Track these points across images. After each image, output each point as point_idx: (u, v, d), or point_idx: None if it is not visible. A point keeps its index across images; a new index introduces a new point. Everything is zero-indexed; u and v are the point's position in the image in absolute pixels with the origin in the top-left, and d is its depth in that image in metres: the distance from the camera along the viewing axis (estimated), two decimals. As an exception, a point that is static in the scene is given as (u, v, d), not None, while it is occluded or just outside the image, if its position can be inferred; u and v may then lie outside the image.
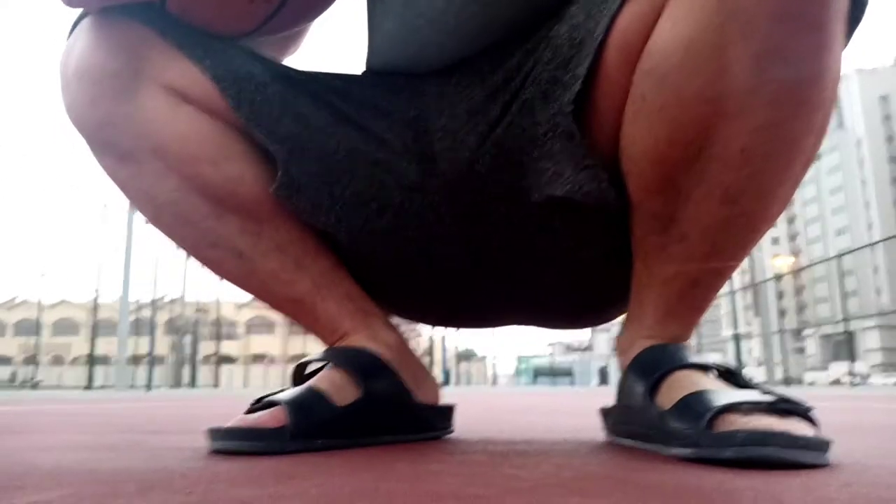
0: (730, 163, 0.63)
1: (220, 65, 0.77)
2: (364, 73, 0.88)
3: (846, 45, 0.63)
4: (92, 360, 15.42)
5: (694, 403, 0.62)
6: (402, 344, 0.85)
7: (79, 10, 0.76)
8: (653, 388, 0.68)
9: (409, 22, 0.80)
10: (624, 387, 0.74)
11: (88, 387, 14.32)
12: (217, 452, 0.68)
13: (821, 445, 0.56)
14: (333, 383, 0.76)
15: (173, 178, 0.77)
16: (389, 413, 0.79)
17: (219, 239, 0.80)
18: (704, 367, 0.69)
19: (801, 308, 74.60)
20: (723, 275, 0.72)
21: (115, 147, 0.77)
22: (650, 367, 0.70)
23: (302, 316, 0.85)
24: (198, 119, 0.77)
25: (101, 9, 0.74)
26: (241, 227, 0.79)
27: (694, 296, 0.73)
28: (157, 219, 0.81)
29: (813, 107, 0.61)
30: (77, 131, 0.78)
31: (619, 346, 0.79)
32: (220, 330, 23.95)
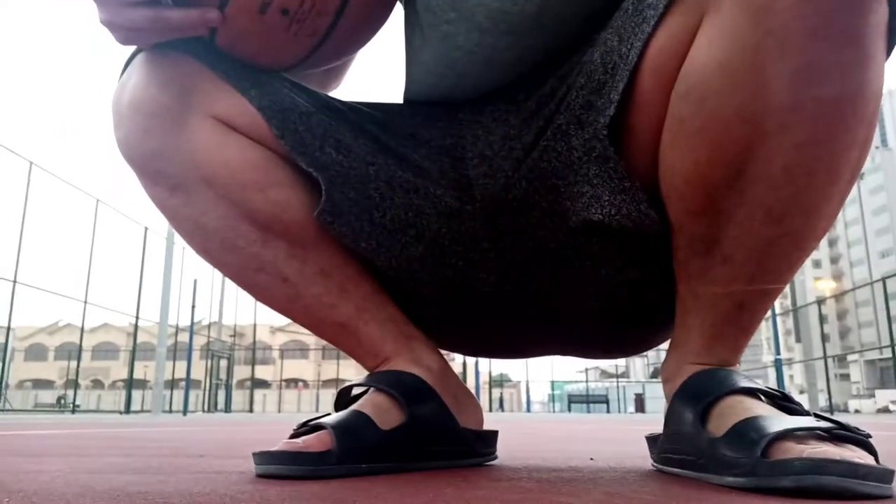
0: (772, 182, 0.62)
1: (265, 95, 0.79)
2: (403, 103, 0.89)
3: (887, 58, 0.62)
4: (130, 384, 15.66)
5: (747, 430, 0.60)
6: (446, 367, 0.85)
7: (132, 47, 0.79)
8: (703, 415, 0.67)
9: (446, 54, 0.81)
10: (672, 413, 0.73)
11: (126, 411, 14.53)
12: (263, 476, 0.69)
13: (884, 475, 0.54)
14: (378, 407, 0.76)
15: (222, 206, 0.79)
16: (434, 437, 0.78)
17: (265, 264, 0.81)
18: (756, 392, 0.67)
19: (844, 333, 72.56)
20: (770, 296, 0.71)
21: (166, 177, 0.79)
22: (699, 392, 0.69)
23: (345, 340, 0.85)
24: (245, 148, 0.79)
25: (154, 44, 0.77)
26: (286, 253, 0.81)
27: (741, 318, 0.71)
28: (205, 247, 0.83)
29: (854, 122, 0.60)
30: (128, 163, 0.81)
31: (665, 372, 0.78)
32: (255, 354, 24.16)
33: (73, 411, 15.38)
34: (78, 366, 15.68)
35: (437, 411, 0.79)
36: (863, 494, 0.52)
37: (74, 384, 17.31)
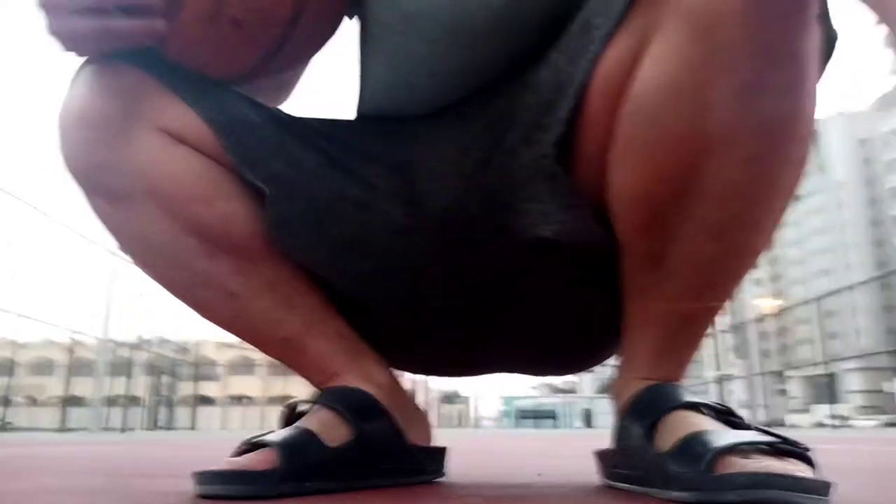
0: (716, 198, 0.64)
1: (213, 107, 0.78)
2: (356, 118, 0.89)
3: (819, 80, 0.65)
4: (67, 401, 15.10)
5: (693, 445, 0.61)
6: (395, 383, 0.84)
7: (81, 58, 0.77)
8: (650, 430, 0.68)
9: (397, 66, 0.81)
10: (620, 429, 0.73)
11: (62, 429, 13.97)
12: (205, 497, 0.66)
13: (823, 488, 0.55)
14: (324, 423, 0.74)
15: (167, 219, 0.76)
16: (382, 454, 0.77)
17: (211, 279, 0.79)
18: (701, 407, 0.69)
19: (783, 349, 74.92)
20: (714, 311, 0.73)
21: (110, 190, 0.76)
22: (646, 408, 0.70)
23: (292, 356, 0.83)
24: (191, 160, 0.77)
25: (100, 56, 0.75)
26: (233, 267, 0.79)
27: (687, 333, 0.73)
28: (148, 261, 0.80)
29: (793, 139, 0.63)
30: (72, 176, 0.78)
31: (614, 388, 0.78)
32: (199, 371, 23.56)
33: (4, 429, 14.71)
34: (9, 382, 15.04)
35: (385, 428, 0.78)
36: None
37: (6, 401, 16.57)
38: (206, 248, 0.77)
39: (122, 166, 0.75)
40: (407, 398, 0.85)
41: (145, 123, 0.76)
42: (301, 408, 0.80)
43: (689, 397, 0.69)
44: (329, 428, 0.73)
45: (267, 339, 0.83)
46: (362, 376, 0.81)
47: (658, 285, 0.70)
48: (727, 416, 0.69)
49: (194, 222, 0.77)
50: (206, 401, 35.67)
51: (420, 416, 0.87)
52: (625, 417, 0.73)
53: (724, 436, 0.61)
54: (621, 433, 0.73)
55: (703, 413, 0.68)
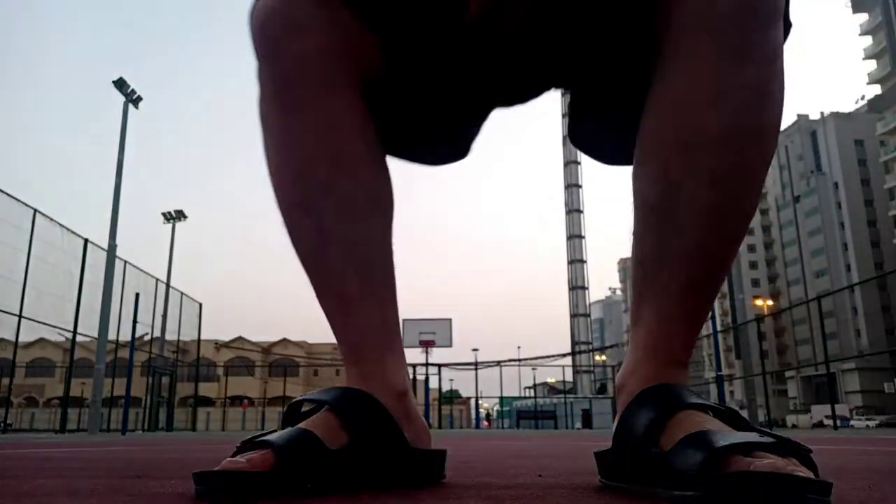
0: (714, 149, 0.71)
1: None
2: None
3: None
4: (66, 402, 15.06)
5: (697, 444, 0.61)
6: (405, 388, 0.84)
7: None
8: (652, 430, 0.68)
9: None
10: (622, 428, 0.73)
11: (61, 430, 13.94)
12: (203, 497, 0.66)
13: (824, 488, 0.55)
14: (328, 425, 0.74)
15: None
16: (382, 457, 0.77)
17: (330, 192, 0.81)
18: (704, 408, 0.69)
19: (781, 350, 74.94)
20: (715, 277, 0.75)
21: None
22: (650, 407, 0.70)
23: (337, 315, 0.84)
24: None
25: None
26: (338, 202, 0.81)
27: (690, 302, 0.75)
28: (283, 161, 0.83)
29: (769, 103, 0.72)
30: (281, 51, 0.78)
31: (619, 379, 0.79)
32: (199, 371, 23.50)
33: (4, 430, 14.70)
34: (11, 382, 15.00)
35: (388, 432, 0.78)
36: None
37: (7, 402, 16.55)
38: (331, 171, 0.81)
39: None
40: (412, 402, 0.85)
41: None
42: (305, 408, 0.80)
43: (693, 399, 0.69)
44: (331, 430, 0.73)
45: (329, 288, 0.84)
46: (379, 375, 0.81)
47: (665, 243, 0.74)
48: (731, 418, 0.69)
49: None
50: (205, 402, 35.64)
51: (419, 420, 0.86)
52: (627, 416, 0.73)
53: (727, 436, 0.61)
54: (623, 432, 0.73)
55: (707, 413, 0.68)
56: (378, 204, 0.86)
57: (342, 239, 0.82)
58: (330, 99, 0.80)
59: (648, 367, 0.75)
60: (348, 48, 0.80)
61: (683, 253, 0.73)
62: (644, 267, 0.77)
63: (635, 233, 0.78)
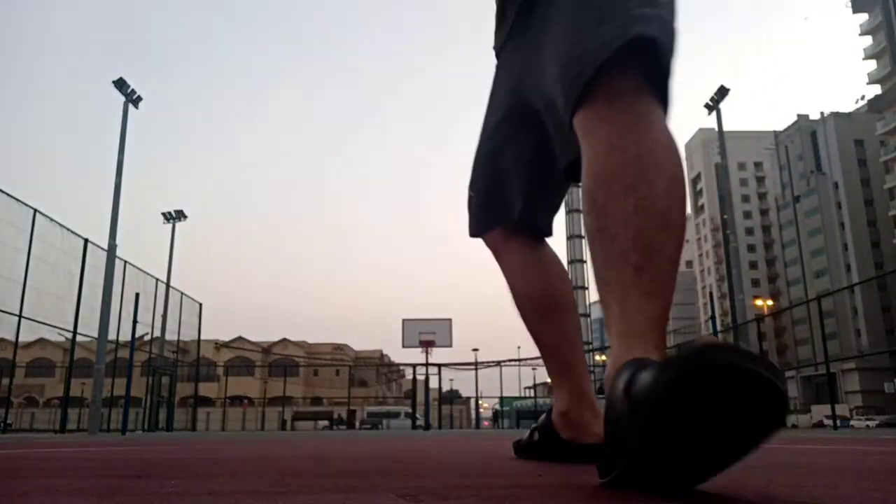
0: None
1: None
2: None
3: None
4: (66, 402, 15.06)
5: (643, 364, 0.72)
6: (570, 408, 1.53)
7: None
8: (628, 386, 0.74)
9: None
10: (607, 397, 0.81)
11: (61, 430, 13.94)
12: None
13: (772, 367, 0.57)
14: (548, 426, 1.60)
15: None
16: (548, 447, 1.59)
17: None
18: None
19: (781, 350, 74.94)
20: (653, 260, 0.93)
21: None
22: (623, 369, 0.77)
23: (558, 368, 1.57)
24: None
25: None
26: (558, 325, 1.58)
27: (642, 281, 0.91)
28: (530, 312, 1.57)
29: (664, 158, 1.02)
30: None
31: (607, 371, 0.83)
32: (199, 371, 23.50)
33: (4, 430, 14.70)
34: (11, 382, 15.01)
35: (550, 433, 1.57)
36: (757, 374, 0.58)
37: (7, 402, 16.54)
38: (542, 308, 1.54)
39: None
40: (580, 414, 1.50)
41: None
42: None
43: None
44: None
45: (558, 357, 1.56)
46: (560, 403, 1.53)
47: (608, 253, 0.96)
48: None
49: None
50: (205, 401, 35.65)
51: (590, 422, 1.46)
52: (609, 385, 0.80)
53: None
54: (608, 398, 0.79)
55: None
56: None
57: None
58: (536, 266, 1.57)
59: (620, 351, 0.86)
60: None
61: (622, 251, 0.94)
62: (599, 276, 0.98)
63: (591, 255, 1.01)
